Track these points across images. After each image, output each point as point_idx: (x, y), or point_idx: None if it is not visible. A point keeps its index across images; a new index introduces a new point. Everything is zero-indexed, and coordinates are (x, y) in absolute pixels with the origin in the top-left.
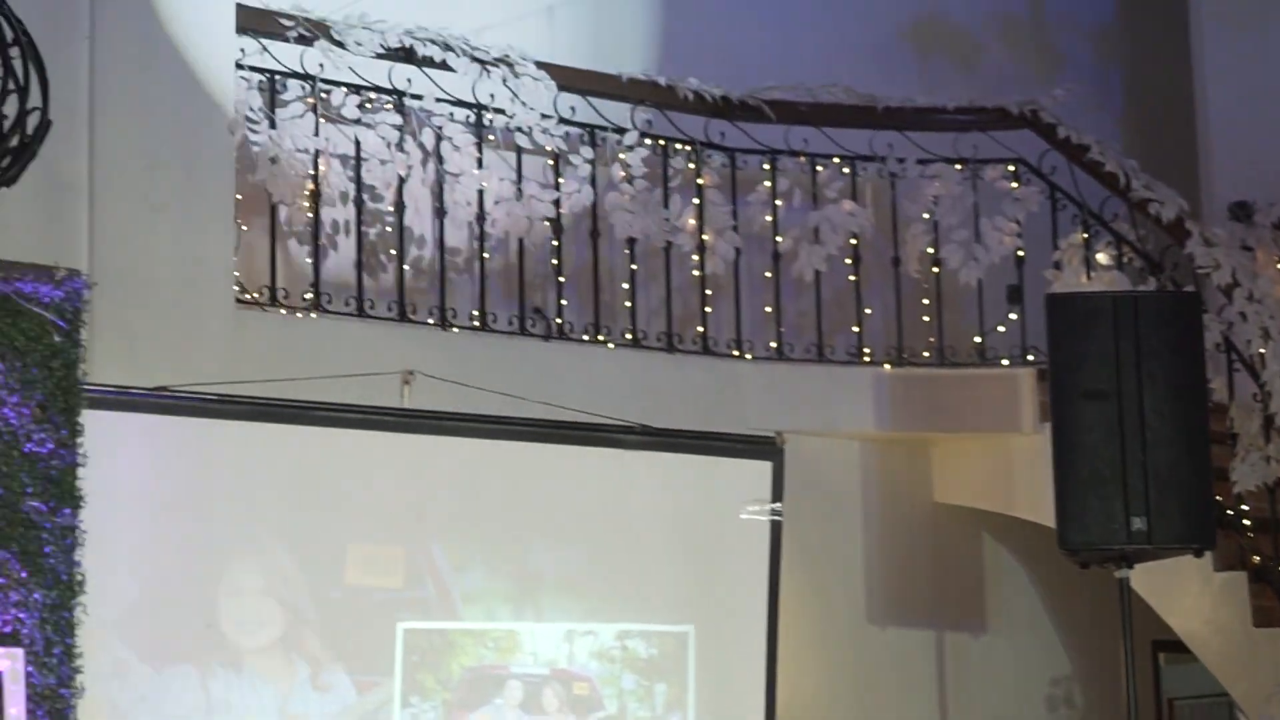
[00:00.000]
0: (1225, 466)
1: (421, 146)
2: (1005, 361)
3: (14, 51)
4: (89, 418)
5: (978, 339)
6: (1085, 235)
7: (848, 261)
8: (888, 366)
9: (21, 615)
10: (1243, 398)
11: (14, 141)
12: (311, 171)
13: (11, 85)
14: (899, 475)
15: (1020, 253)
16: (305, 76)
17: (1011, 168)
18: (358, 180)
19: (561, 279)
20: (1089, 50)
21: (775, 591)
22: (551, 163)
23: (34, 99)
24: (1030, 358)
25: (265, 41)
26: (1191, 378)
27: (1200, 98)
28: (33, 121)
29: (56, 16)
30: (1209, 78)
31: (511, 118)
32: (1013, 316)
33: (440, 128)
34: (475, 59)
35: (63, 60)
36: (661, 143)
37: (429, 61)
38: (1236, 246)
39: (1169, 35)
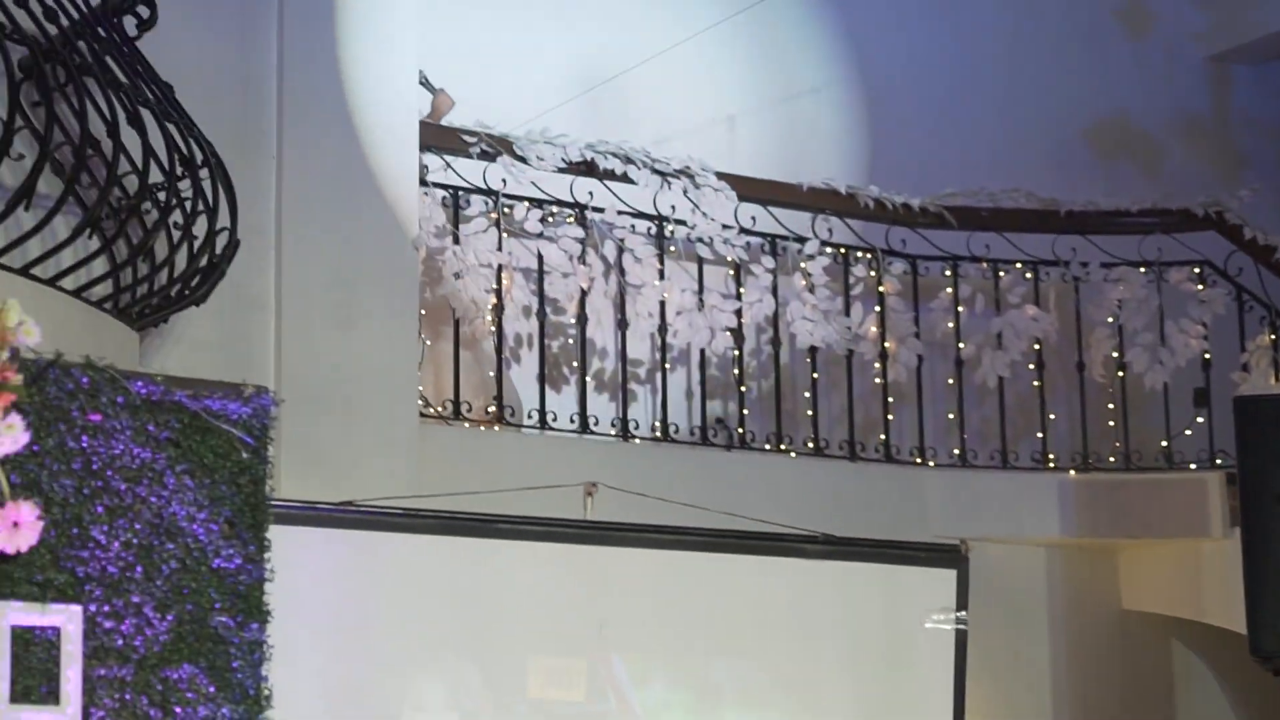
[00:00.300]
0: None
1: (603, 259)
2: (1193, 465)
3: (203, 173)
4: (276, 532)
5: (1164, 443)
6: (1273, 337)
7: (1031, 367)
8: (1073, 472)
9: None
10: None
11: (203, 261)
12: (494, 286)
13: (201, 206)
14: (1085, 582)
15: (1207, 355)
16: (488, 191)
17: (1197, 270)
18: (540, 294)
19: (743, 389)
20: (1274, 149)
21: (961, 702)
22: (733, 272)
23: (223, 219)
24: (1218, 461)
25: (449, 158)
26: None
27: None
28: (221, 241)
29: (245, 138)
30: None
31: (693, 228)
32: (1200, 420)
33: (622, 240)
34: (656, 171)
35: (251, 180)
36: (843, 251)
37: (610, 174)
38: None
39: None
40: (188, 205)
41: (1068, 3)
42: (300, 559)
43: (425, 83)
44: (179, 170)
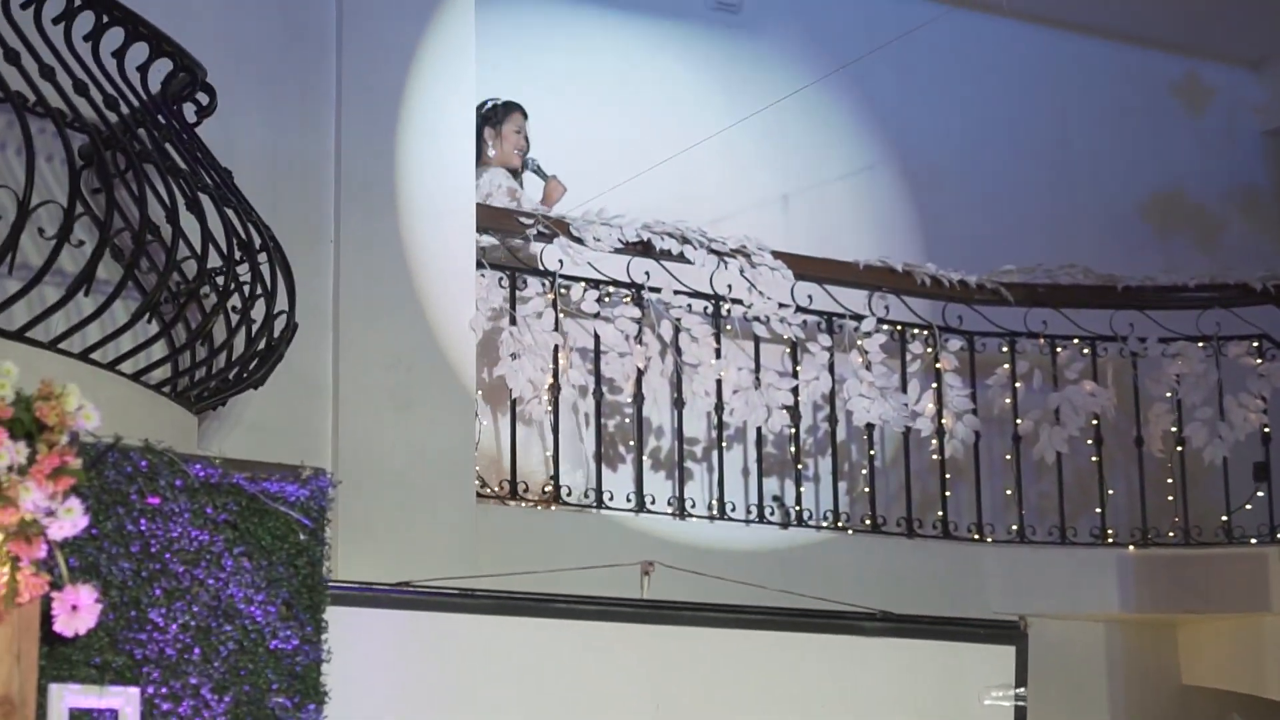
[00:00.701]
0: None
1: (660, 338)
2: (1253, 540)
3: (261, 257)
4: (333, 614)
5: (1224, 518)
6: None
7: (1089, 442)
8: (1132, 548)
9: None
10: None
11: (261, 344)
12: (551, 366)
13: (259, 290)
14: (1145, 657)
15: (1266, 429)
16: (545, 273)
17: (1255, 343)
18: (596, 373)
19: (800, 466)
20: None
21: None
22: (789, 350)
23: (280, 302)
24: (1279, 536)
25: (504, 239)
26: None
27: None
28: (279, 324)
29: (303, 222)
30: None
31: (749, 307)
32: (1260, 494)
33: (678, 319)
34: (712, 250)
35: (309, 264)
36: (899, 328)
37: (666, 254)
38: None
39: None
40: (246, 289)
41: (1123, 77)
42: (357, 640)
43: (538, 170)
44: (237, 254)
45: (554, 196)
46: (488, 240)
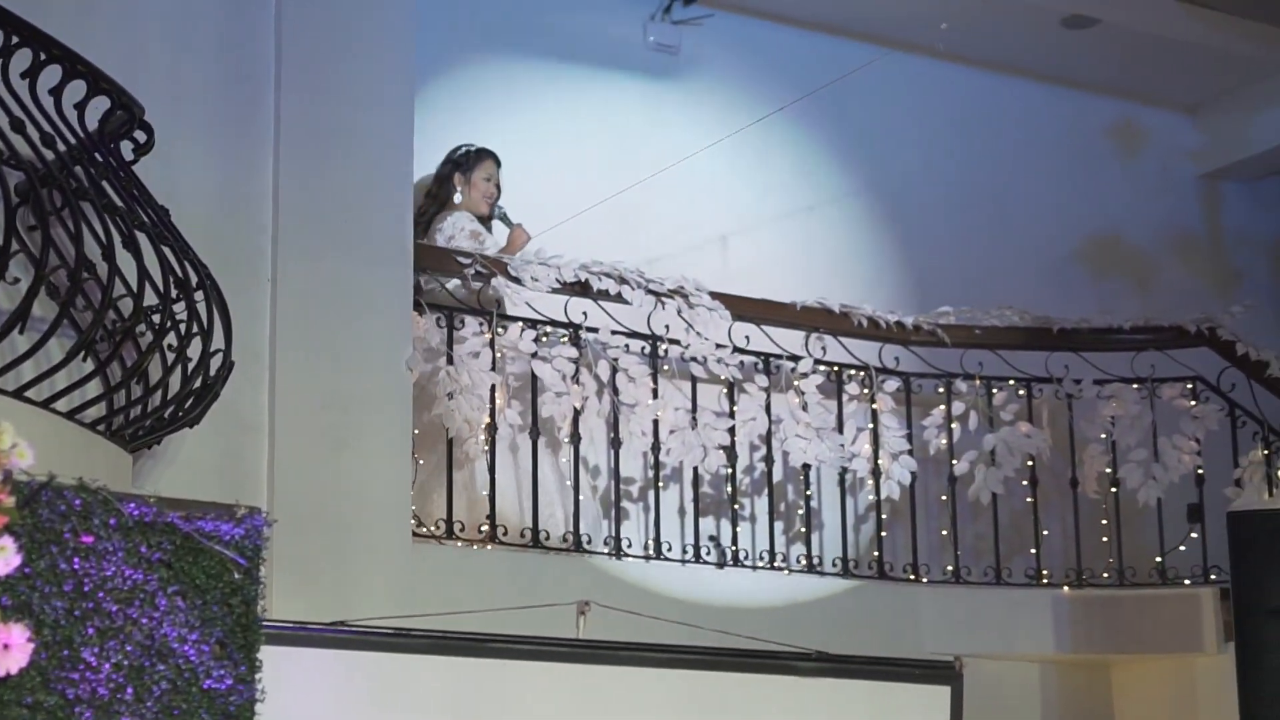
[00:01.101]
0: None
1: (597, 378)
2: (1187, 581)
3: (198, 295)
4: (267, 653)
5: (1158, 559)
6: (1266, 452)
7: (1025, 483)
8: (1066, 588)
9: None
10: None
11: (197, 383)
12: (488, 405)
13: (195, 328)
14: (1079, 698)
15: (1200, 471)
16: (482, 312)
17: (1190, 386)
18: (534, 413)
19: (736, 506)
20: (1265, 265)
21: None
22: (726, 391)
23: (217, 341)
24: (1212, 577)
25: (443, 279)
26: None
27: None
28: (215, 363)
29: (240, 261)
30: None
31: (686, 347)
32: (1194, 535)
33: (616, 359)
34: (650, 291)
35: (245, 303)
36: (836, 368)
37: (604, 295)
38: None
39: None
40: (182, 328)
41: (1060, 121)
42: (291, 680)
43: (504, 217)
44: (174, 293)
45: (518, 244)
46: (454, 283)
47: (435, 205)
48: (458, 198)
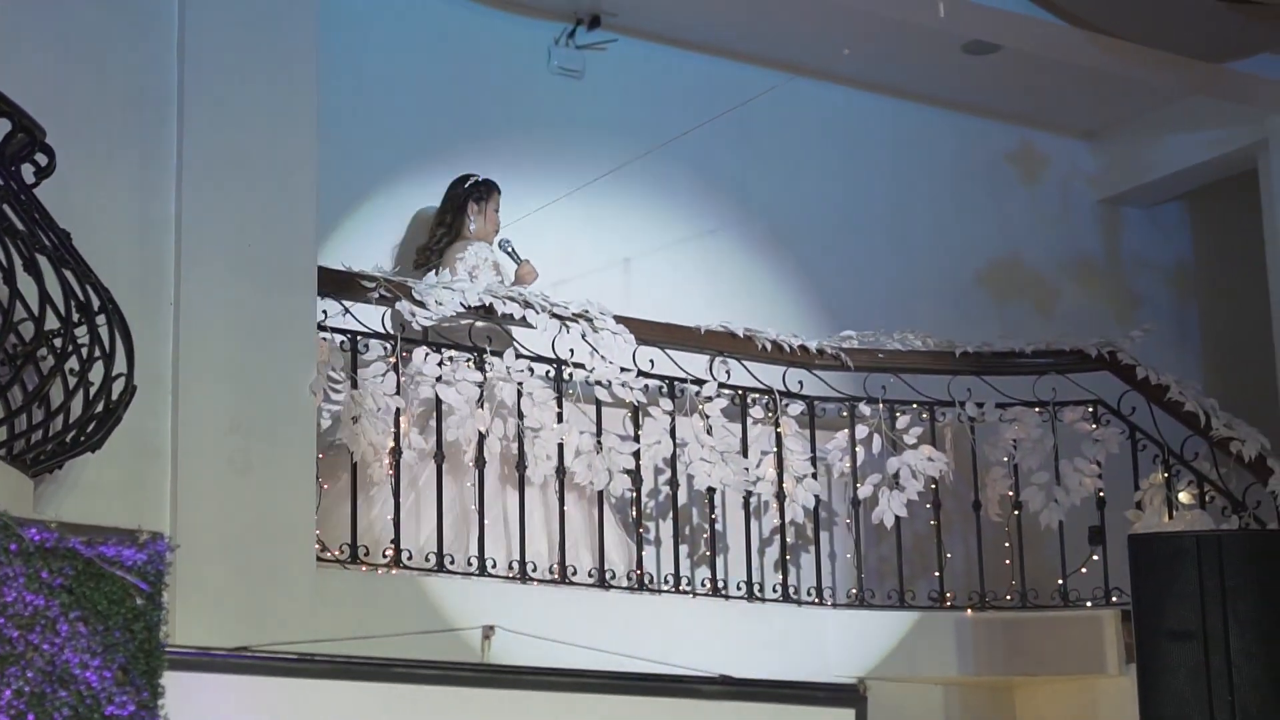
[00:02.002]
0: None
1: (502, 402)
2: (1088, 603)
3: (100, 319)
4: (170, 679)
5: (1060, 581)
6: (1166, 475)
7: (928, 506)
8: (970, 611)
9: None
10: None
11: (99, 407)
12: (392, 430)
13: (98, 352)
14: (983, 719)
15: (1101, 494)
16: (386, 336)
17: (1091, 409)
18: (439, 437)
19: (641, 530)
20: (1166, 289)
21: None
22: (631, 415)
23: (119, 365)
24: (1114, 599)
25: (347, 303)
26: (1277, 616)
27: (1279, 333)
28: (118, 387)
29: (143, 284)
30: None
31: (591, 371)
32: (1095, 558)
33: (520, 384)
34: (554, 315)
35: (148, 327)
36: (740, 392)
37: (509, 319)
38: None
39: (1246, 271)
40: (84, 351)
41: (961, 147)
42: (195, 706)
43: (513, 253)
44: (76, 317)
45: (527, 280)
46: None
47: (449, 235)
48: (473, 227)
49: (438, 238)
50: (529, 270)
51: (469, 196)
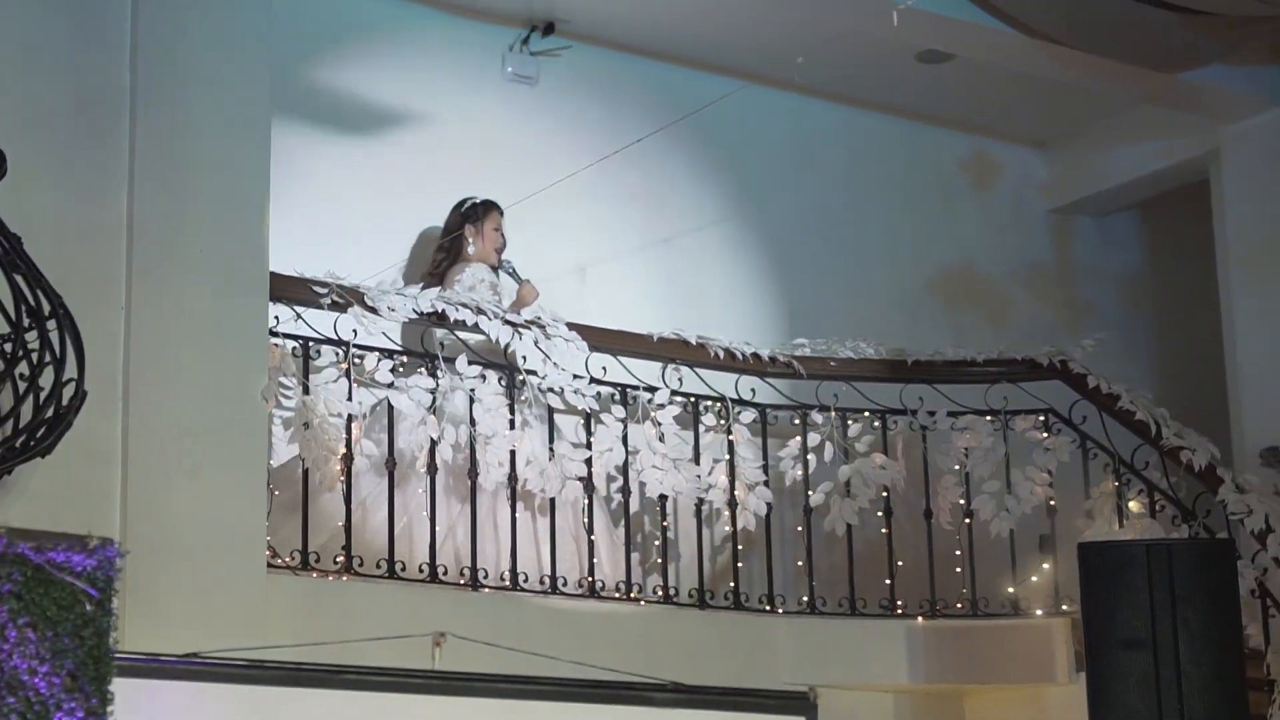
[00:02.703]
0: (1262, 714)
1: (454, 408)
2: (1039, 612)
3: (51, 324)
4: (120, 685)
5: (1010, 589)
6: (1117, 484)
7: (879, 514)
8: (920, 619)
9: None
10: (1278, 644)
11: (49, 412)
12: (344, 435)
13: (48, 357)
14: None
15: (1052, 502)
16: (338, 342)
17: (1042, 418)
18: (390, 444)
19: (593, 537)
20: (1117, 298)
21: None
22: (583, 422)
23: (70, 370)
24: (1064, 607)
25: (299, 309)
26: (1226, 625)
27: (1229, 344)
28: (68, 392)
29: (94, 289)
30: (1238, 324)
31: (543, 378)
32: (1045, 566)
33: (473, 390)
34: (507, 322)
35: (99, 332)
36: (692, 400)
37: (461, 325)
38: (1269, 492)
39: (1197, 282)
40: (34, 356)
41: (914, 155)
42: (144, 712)
43: (513, 273)
44: (26, 322)
45: (527, 300)
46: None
47: (449, 258)
48: (470, 249)
49: (437, 262)
50: (530, 290)
51: (465, 219)
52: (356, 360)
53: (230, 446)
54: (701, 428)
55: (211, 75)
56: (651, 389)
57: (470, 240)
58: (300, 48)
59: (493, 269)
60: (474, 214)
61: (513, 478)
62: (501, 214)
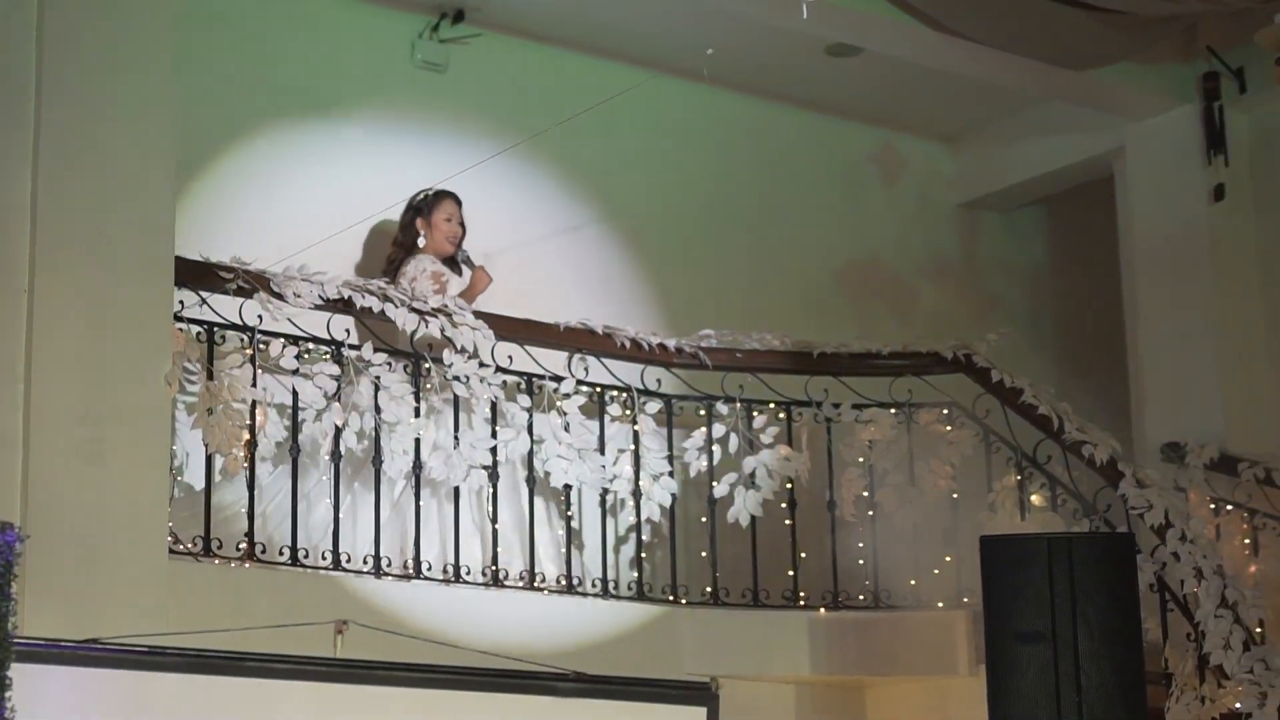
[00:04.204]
0: (1160, 707)
1: (360, 396)
2: (940, 604)
3: None
4: (18, 671)
5: (912, 582)
6: (1019, 477)
7: (783, 506)
8: (823, 610)
9: None
10: (1176, 638)
11: None
12: (248, 422)
13: None
14: (834, 719)
15: (955, 495)
16: (243, 328)
17: (946, 411)
18: (294, 430)
19: (497, 526)
20: (1022, 293)
21: None
22: (489, 411)
23: None
24: (965, 600)
25: (204, 294)
26: (1126, 619)
27: (1132, 340)
28: None
29: None
30: (1141, 320)
31: (449, 367)
32: (947, 559)
33: (378, 377)
34: (413, 309)
35: (0, 314)
36: (598, 389)
37: (368, 312)
38: (1169, 487)
39: (1101, 277)
40: None
41: (823, 148)
42: (43, 698)
43: (467, 260)
44: None
45: (480, 286)
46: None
47: (401, 251)
48: (421, 242)
49: (391, 256)
50: (481, 275)
51: (416, 213)
52: (262, 346)
53: (133, 432)
54: (607, 417)
55: (118, 58)
56: (557, 378)
57: (420, 232)
58: (208, 32)
59: (450, 260)
60: (423, 207)
61: (417, 465)
62: (458, 203)
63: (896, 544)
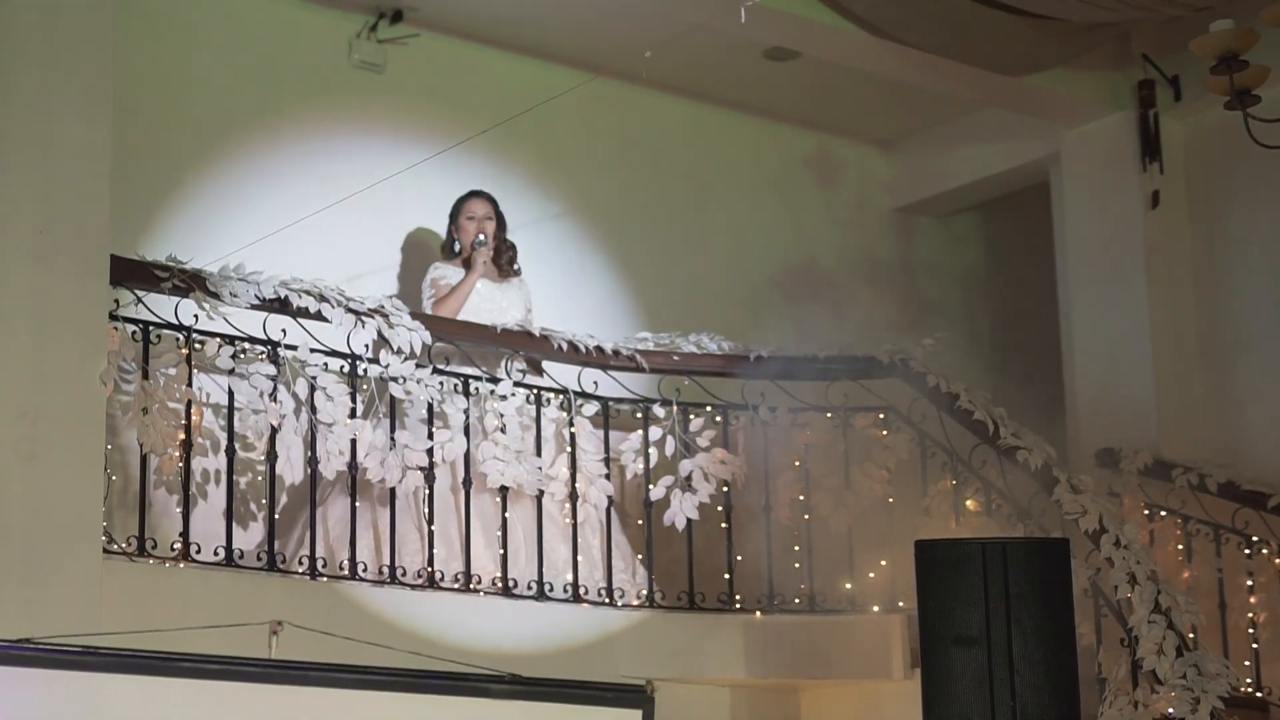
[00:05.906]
0: (1094, 713)
1: (295, 396)
2: (875, 608)
3: None
4: None
5: (848, 585)
6: (954, 482)
7: (719, 509)
8: (758, 614)
9: None
10: (1110, 643)
11: None
12: (183, 421)
13: None
14: None
15: (890, 499)
16: (179, 327)
17: (882, 416)
18: (230, 430)
19: (432, 528)
20: (958, 298)
21: None
22: (425, 412)
23: None
24: (900, 604)
25: (140, 293)
26: (1060, 623)
27: (1067, 345)
28: None
29: None
30: (1075, 325)
31: (386, 367)
32: (883, 563)
33: (314, 378)
34: (350, 310)
35: None
36: (535, 391)
37: (304, 312)
38: (1103, 493)
39: (1036, 283)
40: None
41: (760, 152)
42: None
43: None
44: None
45: (466, 285)
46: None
47: (444, 256)
48: (456, 246)
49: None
50: (470, 275)
51: (451, 219)
52: (197, 346)
53: (67, 430)
54: (543, 419)
55: (53, 54)
56: (494, 380)
57: (455, 237)
58: (146, 30)
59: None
60: (453, 211)
61: (353, 466)
62: (487, 199)
63: (832, 548)
